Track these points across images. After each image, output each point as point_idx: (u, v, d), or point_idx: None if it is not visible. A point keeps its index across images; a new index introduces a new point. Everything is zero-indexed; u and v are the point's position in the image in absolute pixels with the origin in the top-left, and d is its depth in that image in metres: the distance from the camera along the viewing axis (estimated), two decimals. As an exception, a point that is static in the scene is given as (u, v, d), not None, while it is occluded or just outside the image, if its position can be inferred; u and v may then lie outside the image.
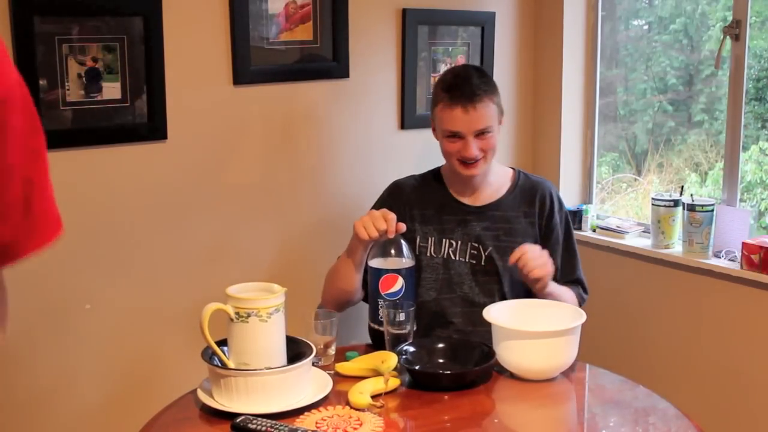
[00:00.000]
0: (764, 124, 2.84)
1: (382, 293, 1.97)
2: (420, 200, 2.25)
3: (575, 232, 2.96)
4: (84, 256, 2.25)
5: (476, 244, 2.19)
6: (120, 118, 2.25)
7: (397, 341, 1.90)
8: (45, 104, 2.12)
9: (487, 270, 2.16)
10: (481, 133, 2.12)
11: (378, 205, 2.26)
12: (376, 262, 2.01)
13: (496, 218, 2.21)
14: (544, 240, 2.21)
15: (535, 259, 2.03)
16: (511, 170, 2.31)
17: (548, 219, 2.22)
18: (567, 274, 2.24)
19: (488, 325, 2.04)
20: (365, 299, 2.18)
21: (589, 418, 1.80)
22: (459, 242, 2.20)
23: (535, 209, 2.22)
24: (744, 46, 2.53)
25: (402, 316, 1.91)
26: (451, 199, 2.24)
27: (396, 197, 2.27)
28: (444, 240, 2.20)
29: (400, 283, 1.99)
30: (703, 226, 2.58)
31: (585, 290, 2.28)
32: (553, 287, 2.12)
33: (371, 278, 2.02)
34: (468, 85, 2.11)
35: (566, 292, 2.19)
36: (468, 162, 2.14)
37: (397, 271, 1.98)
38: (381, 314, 1.95)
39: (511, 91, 3.01)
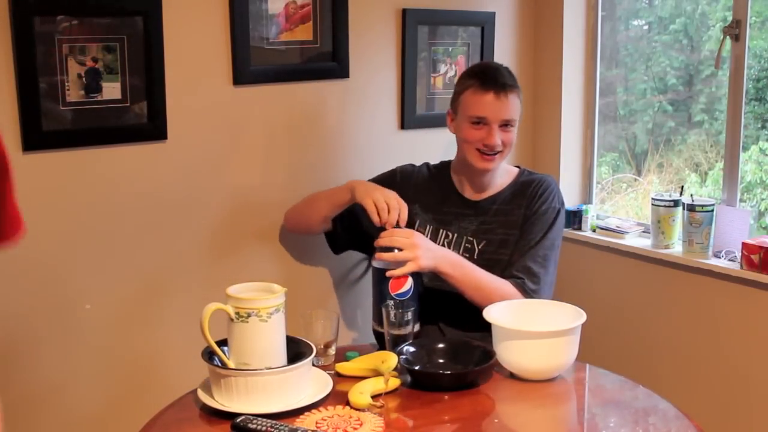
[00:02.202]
0: (764, 124, 2.84)
1: (393, 294, 1.97)
2: (426, 188, 2.29)
3: (576, 233, 2.98)
4: (84, 256, 2.25)
5: (471, 239, 2.21)
6: (120, 118, 2.25)
7: (397, 342, 1.90)
8: (45, 104, 2.12)
9: (479, 265, 2.15)
10: (505, 125, 2.16)
11: (387, 179, 2.31)
12: (382, 263, 2.01)
13: (493, 212, 2.22)
14: (521, 225, 2.19)
15: (397, 235, 2.02)
16: (516, 169, 2.33)
17: (531, 206, 2.20)
18: (520, 258, 2.14)
19: (475, 318, 2.05)
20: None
21: (589, 418, 1.80)
22: (455, 235, 2.22)
23: (526, 199, 2.22)
24: (744, 46, 2.53)
25: (404, 317, 1.91)
26: (453, 191, 2.27)
27: (405, 179, 2.33)
28: (441, 231, 2.24)
29: (409, 283, 1.99)
30: (703, 226, 2.58)
31: (534, 281, 2.12)
32: (461, 272, 2.07)
33: (377, 279, 2.02)
34: (500, 74, 2.17)
35: (493, 280, 2.09)
36: (487, 153, 2.16)
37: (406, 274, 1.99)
38: (383, 315, 1.95)
39: (511, 91, 3.01)
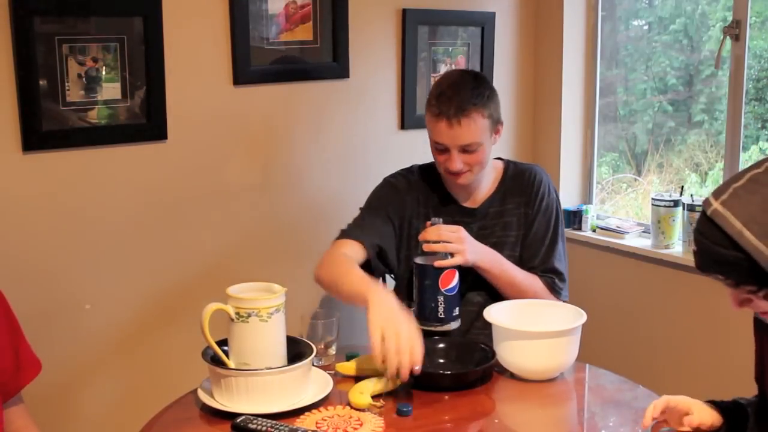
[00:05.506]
0: (764, 124, 2.84)
1: (442, 289, 1.97)
2: (425, 197, 2.21)
3: (576, 233, 2.98)
4: (84, 256, 2.25)
5: None
6: (119, 119, 2.25)
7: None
8: (45, 104, 2.12)
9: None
10: (466, 149, 2.06)
11: (390, 195, 2.19)
12: (424, 259, 1.99)
13: (490, 215, 2.20)
14: (528, 227, 2.18)
15: (441, 234, 1.98)
16: (501, 163, 2.26)
17: (532, 205, 2.18)
18: (543, 261, 2.17)
19: (478, 321, 2.04)
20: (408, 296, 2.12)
21: (589, 418, 1.80)
22: None
23: (523, 197, 2.19)
24: (744, 46, 2.53)
25: (451, 313, 1.95)
26: (450, 199, 2.23)
27: (408, 190, 2.20)
28: None
29: (456, 277, 1.99)
30: (703, 226, 2.58)
31: (561, 279, 2.18)
32: (499, 268, 2.09)
33: (421, 275, 1.99)
34: (458, 97, 2.02)
35: (526, 277, 2.13)
36: (453, 173, 2.13)
37: (453, 266, 2.00)
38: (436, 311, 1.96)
39: (511, 91, 3.01)
